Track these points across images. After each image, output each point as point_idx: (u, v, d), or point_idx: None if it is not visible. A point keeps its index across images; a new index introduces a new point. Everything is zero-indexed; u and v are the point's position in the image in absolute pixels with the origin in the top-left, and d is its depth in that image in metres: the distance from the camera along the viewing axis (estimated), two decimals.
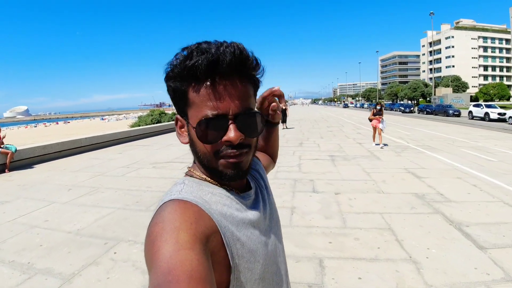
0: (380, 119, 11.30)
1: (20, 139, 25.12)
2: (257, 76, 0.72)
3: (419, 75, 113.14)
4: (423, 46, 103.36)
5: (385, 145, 11.54)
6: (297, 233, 4.12)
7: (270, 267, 0.74)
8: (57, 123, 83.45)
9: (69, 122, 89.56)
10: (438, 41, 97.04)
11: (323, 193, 5.83)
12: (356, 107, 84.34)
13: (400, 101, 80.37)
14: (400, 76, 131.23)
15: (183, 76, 0.65)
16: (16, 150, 9.03)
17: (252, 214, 0.74)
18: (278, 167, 8.30)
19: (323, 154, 10.17)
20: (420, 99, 74.97)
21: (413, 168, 7.74)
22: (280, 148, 11.45)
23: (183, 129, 0.74)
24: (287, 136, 16.05)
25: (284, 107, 18.82)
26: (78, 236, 4.19)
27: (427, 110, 38.40)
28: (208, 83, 0.64)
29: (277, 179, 6.99)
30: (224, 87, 0.64)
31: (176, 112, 0.74)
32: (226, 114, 0.64)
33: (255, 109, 0.74)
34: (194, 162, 0.77)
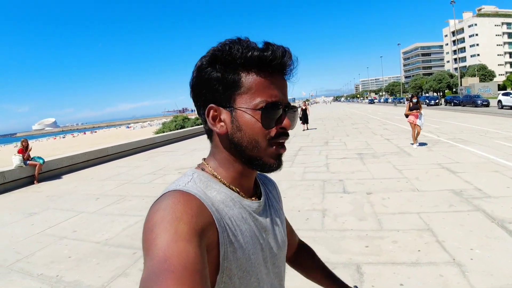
0: (418, 114, 9.89)
1: (50, 150, 25.92)
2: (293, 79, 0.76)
3: (443, 66, 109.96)
4: (446, 36, 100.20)
5: (421, 144, 10.17)
6: (331, 237, 3.93)
7: (265, 285, 0.73)
8: (85, 133, 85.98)
9: (96, 132, 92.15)
10: (461, 30, 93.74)
11: (354, 194, 5.60)
12: (380, 102, 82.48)
13: (425, 93, 78.30)
14: (424, 68, 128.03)
15: (246, 64, 0.67)
16: (44, 162, 9.23)
17: (255, 223, 0.74)
18: (305, 167, 8.11)
19: (351, 153, 9.87)
20: (446, 91, 72.79)
21: (446, 163, 7.36)
22: (306, 147, 11.48)
23: (216, 120, 0.71)
24: (311, 135, 15.81)
25: (304, 107, 18.75)
26: (107, 246, 4.15)
27: (455, 101, 37.15)
28: (267, 72, 0.68)
29: (305, 180, 6.80)
30: (279, 79, 0.70)
31: (204, 102, 0.72)
32: (283, 102, 0.69)
33: None
34: (210, 154, 0.77)
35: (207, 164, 0.76)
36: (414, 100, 10.22)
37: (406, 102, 48.44)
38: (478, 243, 3.46)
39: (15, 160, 8.73)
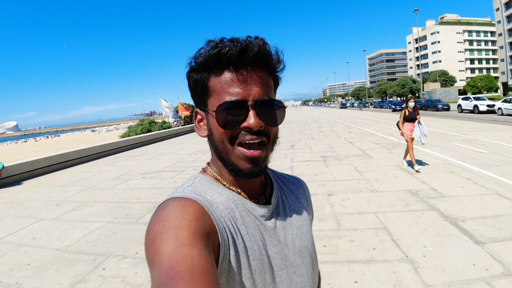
0: (414, 125, 7.29)
1: (10, 155, 24.76)
2: (278, 73, 0.73)
3: (406, 71, 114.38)
4: (409, 42, 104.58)
5: (418, 164, 7.23)
6: None
7: None
8: (48, 137, 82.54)
9: (59, 136, 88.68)
10: (424, 37, 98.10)
11: (316, 195, 5.76)
12: (352, 106, 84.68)
13: (389, 98, 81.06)
14: (388, 73, 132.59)
15: (208, 65, 0.66)
16: (3, 167, 8.87)
17: (260, 228, 0.71)
18: None
19: (315, 155, 10.12)
20: (409, 95, 75.60)
21: (405, 164, 7.71)
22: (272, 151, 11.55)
23: (201, 123, 0.74)
24: (279, 138, 15.96)
25: None
26: (67, 253, 4.06)
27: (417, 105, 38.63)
28: (232, 70, 0.65)
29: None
30: (247, 75, 0.65)
31: (195, 106, 0.75)
32: (246, 99, 0.65)
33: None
34: (211, 157, 0.77)
35: (209, 167, 0.77)
36: (411, 104, 7.38)
37: (370, 106, 49.91)
38: (431, 240, 3.66)
39: None
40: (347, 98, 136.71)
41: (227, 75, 0.65)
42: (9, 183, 9.06)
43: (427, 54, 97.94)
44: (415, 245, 3.59)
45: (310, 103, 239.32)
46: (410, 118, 7.34)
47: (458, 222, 4.09)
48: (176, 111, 31.66)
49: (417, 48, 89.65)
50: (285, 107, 0.74)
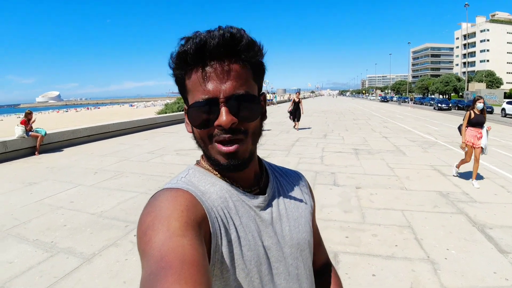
0: (480, 132, 6.03)
1: (52, 123, 26.06)
2: (253, 59, 0.67)
3: (452, 68, 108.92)
4: (457, 38, 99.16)
5: (479, 178, 6.19)
6: None
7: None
8: (88, 109, 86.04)
9: (99, 108, 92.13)
10: (473, 34, 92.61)
11: (343, 187, 5.76)
12: (386, 100, 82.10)
13: (431, 95, 77.85)
14: (432, 69, 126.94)
15: (178, 64, 0.66)
16: (45, 133, 9.38)
17: (255, 219, 0.71)
18: (300, 158, 8.27)
19: (347, 147, 10.00)
20: (452, 94, 72.34)
21: (439, 165, 7.50)
22: (304, 139, 11.59)
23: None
24: (312, 127, 15.92)
25: (296, 99, 14.74)
26: (101, 218, 4.34)
27: (459, 105, 36.89)
28: (199, 67, 0.63)
29: (298, 171, 6.92)
30: (214, 71, 0.62)
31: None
32: (217, 97, 0.62)
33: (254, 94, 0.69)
34: None
35: (202, 159, 0.77)
36: (479, 105, 6.24)
37: (410, 101, 47.97)
38: (455, 244, 3.59)
39: (18, 131, 8.88)
40: (386, 91, 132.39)
41: (196, 73, 0.64)
42: (50, 149, 9.63)
43: (474, 52, 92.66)
44: (438, 246, 3.54)
45: (348, 93, 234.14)
46: (476, 122, 6.07)
47: (485, 229, 3.98)
48: None
49: (464, 45, 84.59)
50: (265, 103, 0.74)
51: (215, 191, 0.68)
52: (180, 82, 0.68)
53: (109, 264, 3.18)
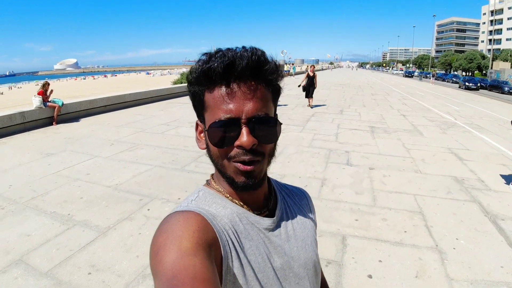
0: None
1: (70, 91, 26.40)
2: (275, 82, 0.69)
3: (477, 45, 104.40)
4: (484, 14, 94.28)
5: None
6: (324, 207, 4.13)
7: None
8: (105, 76, 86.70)
9: (116, 76, 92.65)
10: (500, 11, 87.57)
11: (357, 167, 5.73)
12: (411, 75, 79.36)
13: (454, 71, 75.34)
14: (457, 44, 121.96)
15: (200, 80, 0.66)
16: (63, 104, 9.53)
17: (264, 241, 0.72)
18: (315, 134, 8.24)
19: (363, 124, 9.88)
20: (475, 72, 69.84)
21: (456, 148, 7.33)
22: (320, 114, 11.50)
23: (202, 134, 0.74)
24: (328, 101, 15.73)
25: (311, 73, 13.30)
26: (116, 191, 4.46)
27: (481, 84, 35.63)
28: (223, 86, 0.63)
29: (312, 148, 6.96)
30: (239, 91, 0.63)
31: (197, 117, 0.74)
32: (239, 117, 0.63)
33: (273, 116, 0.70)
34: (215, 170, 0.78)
35: (213, 179, 0.77)
36: None
37: (432, 77, 46.34)
38: (465, 234, 3.56)
39: (35, 101, 9.02)
40: (408, 65, 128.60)
41: (219, 91, 0.64)
42: (68, 119, 9.80)
43: (501, 30, 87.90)
44: (448, 235, 3.52)
45: (368, 66, 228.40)
46: None
47: (497, 220, 3.92)
48: None
49: (491, 21, 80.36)
50: (281, 124, 0.72)
51: (226, 215, 0.69)
52: (198, 98, 0.68)
53: (123, 238, 3.30)
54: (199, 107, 0.69)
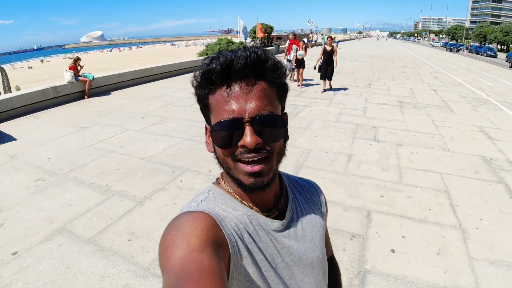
0: None
1: (97, 63, 26.79)
2: (278, 79, 0.69)
3: None
4: None
5: None
6: (350, 182, 4.22)
7: None
8: (131, 48, 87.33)
9: (141, 47, 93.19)
10: None
11: (384, 143, 5.73)
12: (456, 48, 74.69)
13: (489, 44, 71.55)
14: (493, 15, 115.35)
15: (202, 84, 0.67)
16: (93, 78, 9.79)
17: (273, 242, 0.74)
18: (342, 109, 8.21)
19: (392, 99, 9.68)
20: (511, 45, 66.03)
21: (487, 127, 7.14)
22: (348, 87, 11.15)
23: (210, 137, 0.72)
24: (356, 74, 15.39)
25: (328, 47, 10.21)
26: (150, 163, 4.69)
27: None
28: (224, 87, 0.64)
29: (339, 122, 6.97)
30: (240, 91, 0.64)
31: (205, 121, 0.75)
32: (241, 117, 0.63)
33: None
34: None
35: (222, 179, 0.78)
36: None
37: (465, 50, 43.77)
38: (489, 214, 3.56)
39: (67, 76, 9.29)
40: (441, 35, 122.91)
41: (220, 93, 0.64)
42: (98, 93, 10.09)
43: None
44: (472, 215, 3.54)
45: (398, 35, 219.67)
46: None
47: None
48: (254, 31, 31.08)
49: None
50: (287, 123, 0.74)
51: (236, 216, 0.70)
52: (203, 101, 0.69)
53: (159, 207, 3.53)
54: (205, 111, 0.70)
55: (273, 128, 0.66)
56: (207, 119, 0.72)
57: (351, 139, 5.88)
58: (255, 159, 0.65)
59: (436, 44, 60.28)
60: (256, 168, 0.65)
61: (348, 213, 3.50)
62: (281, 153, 0.71)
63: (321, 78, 10.55)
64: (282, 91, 0.71)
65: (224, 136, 0.64)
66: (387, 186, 4.15)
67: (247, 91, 0.64)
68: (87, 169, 4.52)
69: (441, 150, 5.52)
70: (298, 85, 11.27)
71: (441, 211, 3.61)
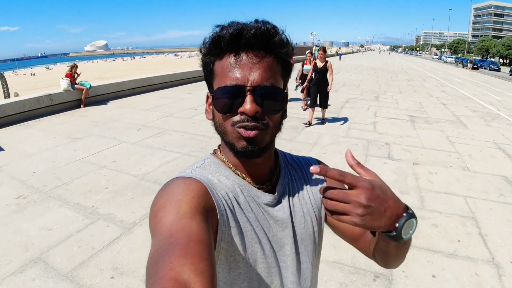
0: None
1: (100, 72, 26.71)
2: (285, 56, 0.69)
3: None
4: None
5: None
6: None
7: (262, 281, 0.73)
8: (134, 58, 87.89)
9: (145, 57, 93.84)
10: None
11: (399, 161, 5.30)
12: (440, 59, 75.00)
13: (491, 58, 71.64)
14: (494, 29, 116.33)
15: (211, 49, 0.67)
16: (90, 86, 9.44)
17: (264, 215, 0.73)
18: (351, 123, 7.81)
19: (402, 113, 9.30)
20: None
21: (504, 143, 6.70)
22: (354, 100, 10.99)
23: (211, 106, 0.72)
24: (362, 86, 15.07)
25: (321, 63, 7.38)
26: (143, 181, 4.26)
27: None
28: (232, 54, 0.64)
29: (348, 138, 6.56)
30: (246, 59, 0.64)
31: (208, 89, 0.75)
32: (244, 85, 0.63)
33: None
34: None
35: (219, 149, 0.78)
36: None
37: (469, 63, 43.17)
38: None
39: (63, 84, 8.95)
40: (443, 50, 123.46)
41: (227, 60, 0.65)
42: (96, 102, 9.74)
43: None
44: (504, 246, 3.12)
45: (400, 49, 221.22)
46: None
47: None
48: None
49: None
50: (287, 100, 0.74)
51: (227, 185, 0.70)
52: (208, 68, 0.69)
53: (149, 236, 3.05)
54: (209, 77, 0.70)
55: (273, 100, 0.66)
56: (210, 86, 0.72)
57: (363, 157, 5.45)
58: (253, 126, 0.64)
59: (449, 60, 57.96)
60: (252, 133, 0.65)
61: None
62: (277, 127, 0.71)
63: (310, 106, 7.61)
64: (286, 68, 0.71)
65: (225, 101, 0.65)
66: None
67: (253, 61, 0.64)
68: (73, 186, 4.10)
69: (461, 169, 5.09)
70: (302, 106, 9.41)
71: (471, 242, 3.18)
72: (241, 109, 0.64)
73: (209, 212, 0.60)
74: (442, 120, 8.62)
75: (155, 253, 0.50)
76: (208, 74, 0.70)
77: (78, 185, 4.14)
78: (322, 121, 7.75)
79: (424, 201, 3.98)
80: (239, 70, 0.63)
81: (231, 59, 0.64)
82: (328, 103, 7.82)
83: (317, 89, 7.44)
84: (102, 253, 2.81)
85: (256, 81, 0.63)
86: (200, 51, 0.69)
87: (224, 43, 0.64)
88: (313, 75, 7.57)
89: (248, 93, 0.63)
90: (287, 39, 0.68)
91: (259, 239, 0.70)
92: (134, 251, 2.85)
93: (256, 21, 0.65)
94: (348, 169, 0.54)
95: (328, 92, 7.60)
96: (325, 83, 7.44)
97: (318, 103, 7.54)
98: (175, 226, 0.53)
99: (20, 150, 5.46)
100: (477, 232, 3.35)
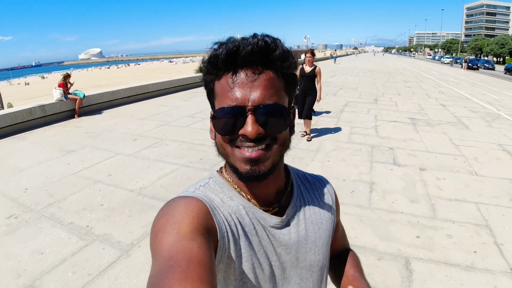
0: None
1: (94, 80, 26.49)
2: (287, 70, 0.65)
3: (507, 29, 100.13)
4: None
5: None
6: (378, 219, 3.59)
7: None
8: (129, 65, 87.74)
9: (139, 64, 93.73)
10: None
11: (405, 167, 5.13)
12: (434, 59, 75.20)
13: (484, 56, 72.06)
14: (487, 28, 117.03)
15: (209, 69, 0.65)
16: (84, 96, 9.24)
17: (270, 239, 0.70)
18: (352, 127, 7.65)
19: (402, 116, 9.15)
20: (507, 57, 66.51)
21: (508, 145, 6.55)
22: (353, 103, 10.87)
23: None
24: (359, 89, 14.94)
25: (309, 68, 6.55)
26: (140, 197, 4.07)
27: None
28: (230, 73, 0.62)
29: (351, 143, 6.39)
30: (245, 78, 0.61)
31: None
32: (244, 105, 0.60)
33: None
34: None
35: (225, 167, 0.75)
36: None
37: (464, 63, 42.96)
38: None
39: (56, 94, 8.74)
40: (436, 50, 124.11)
41: (226, 79, 0.62)
42: (90, 111, 9.53)
43: None
44: None
45: (393, 50, 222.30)
46: None
47: None
48: None
49: None
50: (294, 117, 0.72)
51: (231, 206, 0.68)
52: (208, 87, 0.67)
53: (148, 258, 2.86)
54: (211, 97, 0.68)
55: (277, 118, 0.63)
56: (212, 106, 0.69)
57: (368, 163, 5.28)
58: (255, 148, 0.62)
59: (447, 60, 57.15)
60: (254, 154, 0.62)
61: (383, 262, 2.86)
62: (285, 145, 0.67)
63: (299, 117, 6.56)
64: (290, 82, 0.67)
65: (225, 123, 0.62)
66: (421, 222, 3.52)
67: (252, 79, 0.61)
68: (66, 204, 3.88)
69: (468, 174, 4.93)
70: None
71: (488, 252, 3.01)
72: (241, 131, 0.61)
73: (210, 233, 0.59)
74: (443, 122, 8.48)
75: (155, 276, 0.49)
76: (209, 93, 0.68)
77: (72, 202, 3.93)
78: (306, 134, 6.68)
79: (436, 209, 3.80)
80: (238, 89, 0.61)
81: (229, 79, 0.62)
82: (328, 110, 7.58)
83: (303, 98, 6.53)
84: (99, 280, 2.60)
85: (258, 100, 0.60)
86: (201, 70, 0.68)
87: (220, 62, 0.62)
88: (300, 82, 6.49)
89: (249, 113, 0.60)
90: (287, 50, 0.65)
91: (260, 263, 0.68)
92: (132, 276, 2.64)
93: (254, 35, 0.62)
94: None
95: (317, 100, 6.68)
96: (313, 90, 6.60)
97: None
98: (175, 247, 0.51)
99: (11, 165, 5.25)
100: (492, 242, 3.18)
